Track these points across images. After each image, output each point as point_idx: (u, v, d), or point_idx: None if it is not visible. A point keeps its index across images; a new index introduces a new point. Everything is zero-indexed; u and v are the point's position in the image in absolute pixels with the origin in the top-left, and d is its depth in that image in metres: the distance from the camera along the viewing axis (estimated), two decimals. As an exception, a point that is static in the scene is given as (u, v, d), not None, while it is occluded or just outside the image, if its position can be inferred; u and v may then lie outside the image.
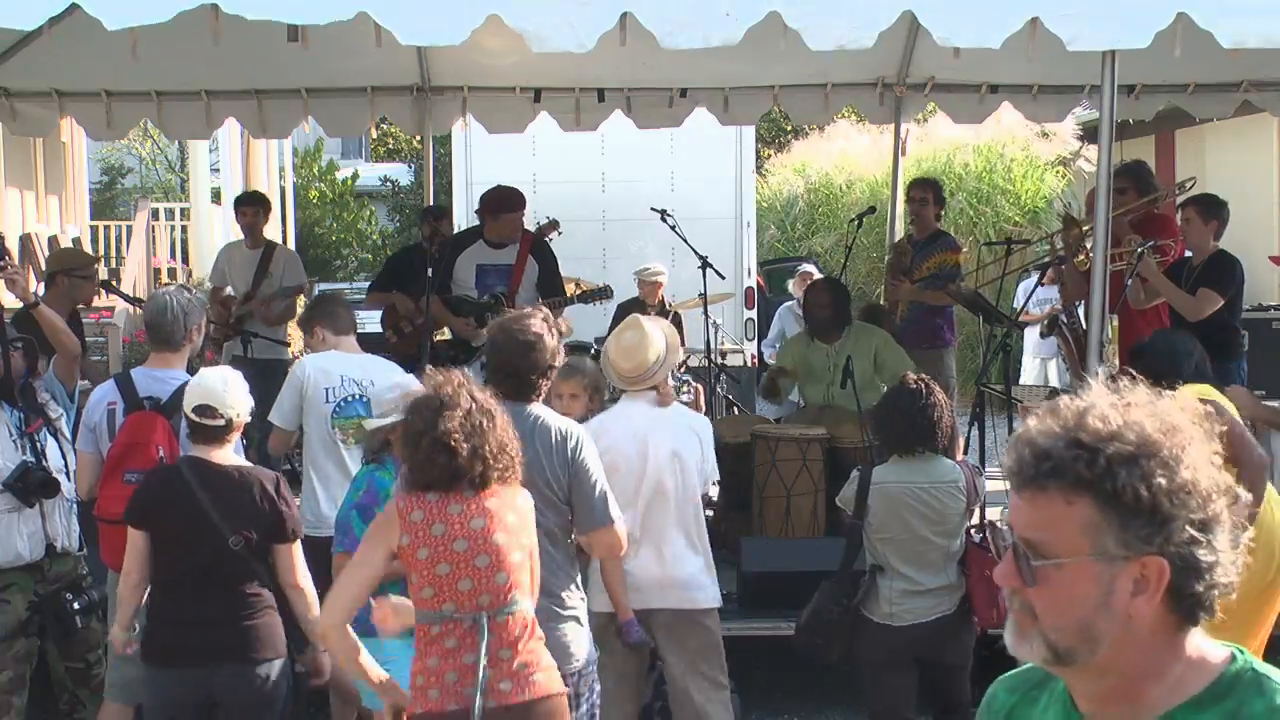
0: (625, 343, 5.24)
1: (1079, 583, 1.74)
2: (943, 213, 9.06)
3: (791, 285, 12.06)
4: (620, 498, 4.76)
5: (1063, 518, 1.74)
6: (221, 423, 4.65)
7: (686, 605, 5.26)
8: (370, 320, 9.18)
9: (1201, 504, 1.72)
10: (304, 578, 4.65)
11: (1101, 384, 1.80)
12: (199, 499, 4.55)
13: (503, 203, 8.19)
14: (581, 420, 5.10)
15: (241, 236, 9.70)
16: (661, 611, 5.23)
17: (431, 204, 10.27)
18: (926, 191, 8.83)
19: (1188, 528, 1.71)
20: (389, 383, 5.38)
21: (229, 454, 4.74)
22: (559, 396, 5.33)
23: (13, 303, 6.83)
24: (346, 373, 5.88)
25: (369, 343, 9.57)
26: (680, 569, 5.24)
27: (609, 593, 5.13)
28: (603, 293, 8.43)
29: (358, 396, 5.81)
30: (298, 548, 4.67)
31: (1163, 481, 1.70)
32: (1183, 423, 1.75)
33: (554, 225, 8.82)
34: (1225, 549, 1.74)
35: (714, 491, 5.94)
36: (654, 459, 5.18)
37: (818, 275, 11.52)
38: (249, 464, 4.86)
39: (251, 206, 9.60)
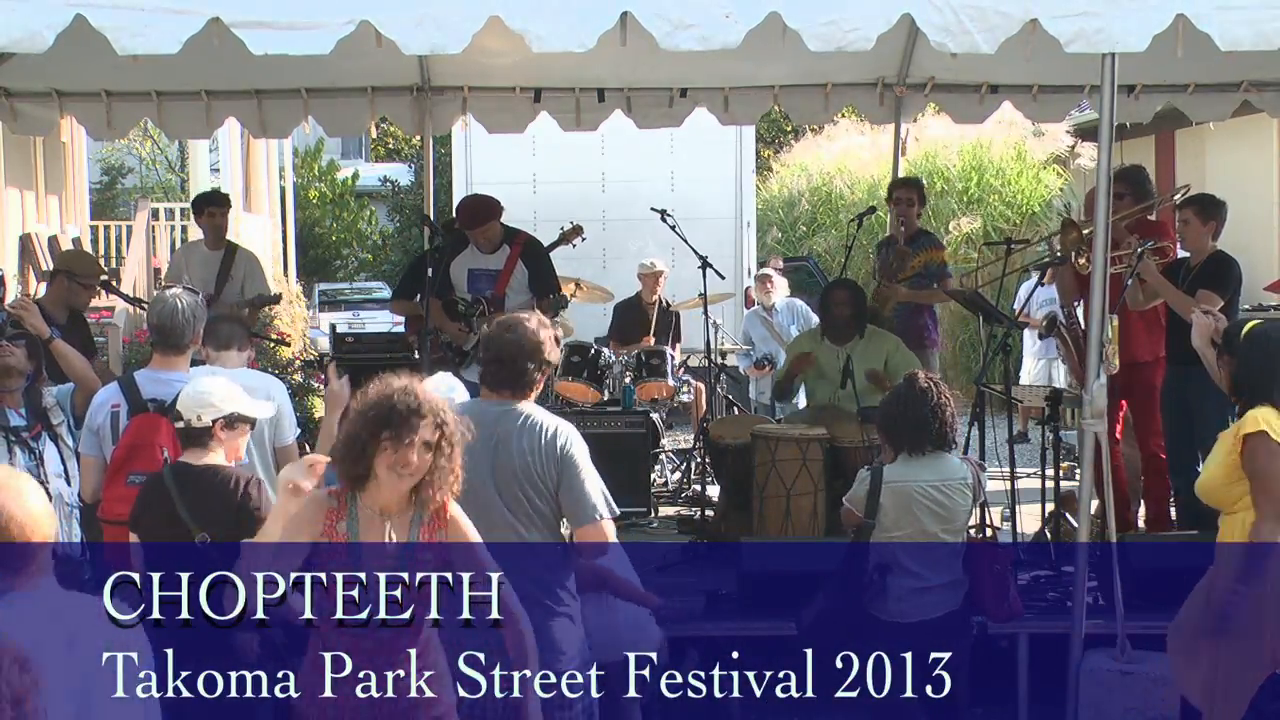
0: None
1: None
2: (922, 212, 9.07)
3: (754, 289, 11.98)
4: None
5: None
6: (191, 425, 4.72)
7: None
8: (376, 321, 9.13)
9: None
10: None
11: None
12: (173, 500, 4.64)
13: (462, 217, 8.21)
14: None
15: (198, 236, 9.38)
16: None
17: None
18: (912, 192, 8.78)
19: None
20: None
21: (214, 456, 4.76)
22: None
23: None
24: None
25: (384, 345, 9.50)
26: None
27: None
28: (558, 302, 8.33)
29: None
30: None
31: None
32: None
33: (577, 231, 8.84)
34: None
35: None
36: None
37: (778, 278, 11.48)
38: (227, 464, 4.84)
39: (220, 207, 9.16)
